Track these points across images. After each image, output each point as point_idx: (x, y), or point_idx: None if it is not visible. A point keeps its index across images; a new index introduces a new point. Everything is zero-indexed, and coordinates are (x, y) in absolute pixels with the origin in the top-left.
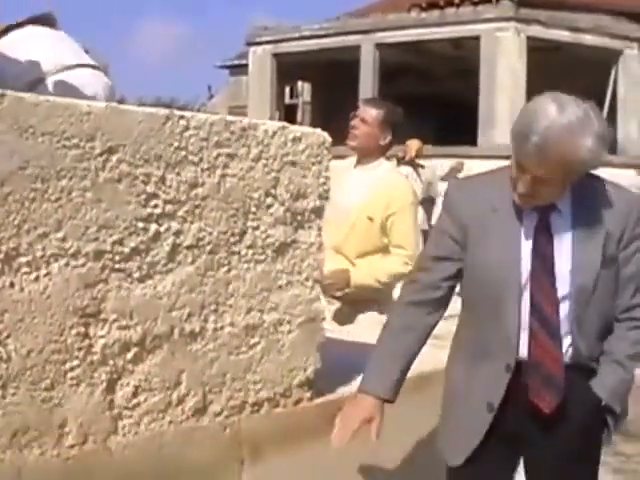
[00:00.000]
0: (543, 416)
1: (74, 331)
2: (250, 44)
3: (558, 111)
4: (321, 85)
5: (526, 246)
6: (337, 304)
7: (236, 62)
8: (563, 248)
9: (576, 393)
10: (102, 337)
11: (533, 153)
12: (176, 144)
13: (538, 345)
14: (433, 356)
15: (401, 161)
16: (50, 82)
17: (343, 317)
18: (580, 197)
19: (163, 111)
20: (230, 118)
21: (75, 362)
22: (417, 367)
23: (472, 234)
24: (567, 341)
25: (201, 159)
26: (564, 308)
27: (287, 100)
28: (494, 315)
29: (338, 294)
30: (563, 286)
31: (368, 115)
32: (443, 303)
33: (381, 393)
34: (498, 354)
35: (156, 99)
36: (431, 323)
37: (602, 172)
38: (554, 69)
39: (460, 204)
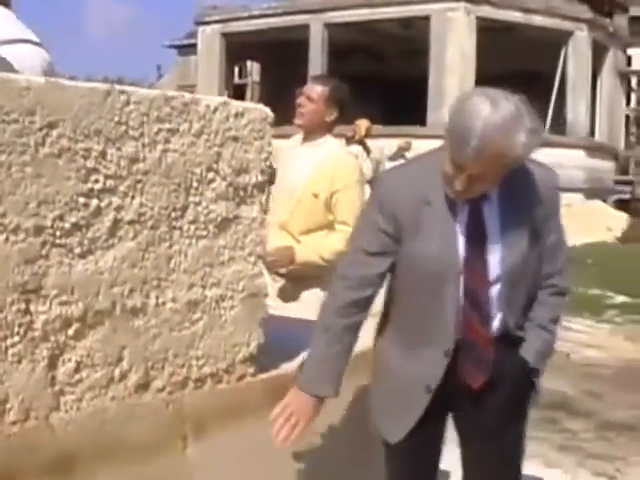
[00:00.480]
0: (474, 391)
1: (14, 307)
2: (199, 23)
3: (492, 110)
4: (270, 65)
5: (460, 235)
6: (281, 281)
7: (185, 42)
8: (493, 234)
9: (505, 362)
10: (43, 313)
11: (472, 155)
12: (117, 119)
13: (471, 328)
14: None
15: (350, 140)
16: None
17: (287, 294)
18: (506, 184)
19: (104, 86)
20: (171, 93)
21: (16, 338)
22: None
23: (406, 228)
24: (498, 317)
25: (142, 134)
26: (495, 290)
27: (236, 80)
28: (432, 303)
29: (282, 271)
30: (494, 270)
31: (314, 92)
32: (375, 296)
33: (325, 392)
34: (437, 340)
35: (104, 78)
36: (366, 317)
37: (552, 153)
38: (504, 49)
39: (391, 199)
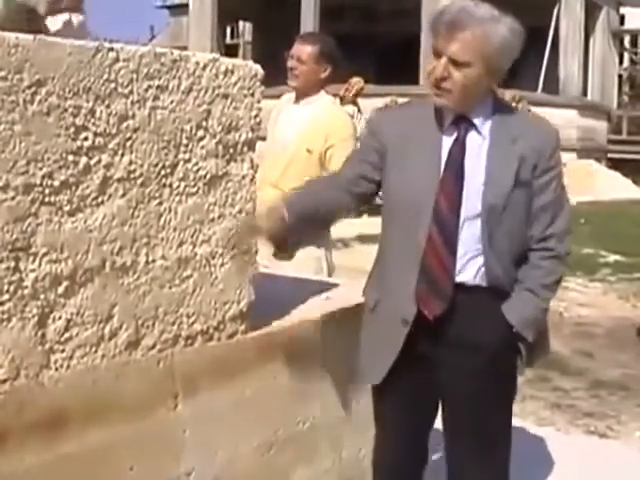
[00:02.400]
0: (445, 337)
1: (4, 265)
2: None
3: (471, 4)
4: (262, 25)
5: (441, 166)
6: None
7: (177, 2)
8: (477, 165)
9: (487, 317)
10: (32, 271)
11: (444, 29)
12: (105, 76)
13: (433, 251)
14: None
15: (344, 99)
16: None
17: (282, 254)
18: (499, 120)
19: (92, 43)
20: (160, 50)
21: (5, 296)
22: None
23: (392, 155)
24: (479, 261)
25: (131, 91)
26: (475, 226)
27: (228, 40)
28: (408, 232)
29: None
30: (474, 203)
31: (304, 53)
32: (356, 200)
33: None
34: (408, 268)
35: (96, 39)
36: (344, 201)
37: (543, 112)
38: (496, 8)
39: (380, 131)
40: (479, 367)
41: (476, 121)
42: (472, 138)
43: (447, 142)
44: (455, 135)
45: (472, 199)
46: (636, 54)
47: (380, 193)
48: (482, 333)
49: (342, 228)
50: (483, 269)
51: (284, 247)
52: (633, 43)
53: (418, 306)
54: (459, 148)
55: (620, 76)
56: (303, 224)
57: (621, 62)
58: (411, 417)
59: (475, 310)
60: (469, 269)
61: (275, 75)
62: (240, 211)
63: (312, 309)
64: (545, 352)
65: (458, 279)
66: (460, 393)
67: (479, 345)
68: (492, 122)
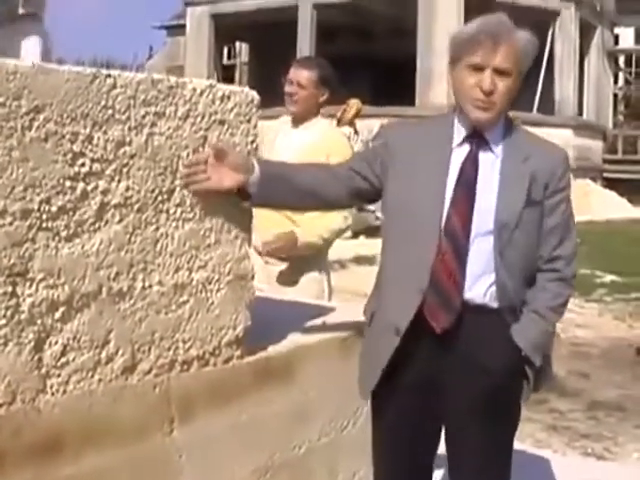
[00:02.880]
0: (451, 355)
1: (1, 290)
2: (188, 4)
3: (496, 16)
4: (259, 45)
5: (453, 178)
6: (279, 266)
7: (174, 22)
8: (489, 182)
9: (495, 339)
10: (30, 296)
11: (489, 41)
12: (103, 103)
13: (443, 265)
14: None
15: (341, 121)
16: None
17: (286, 278)
18: (511, 139)
19: (90, 70)
20: (157, 76)
21: (2, 321)
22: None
23: (400, 167)
24: (490, 278)
25: (128, 118)
26: (486, 243)
27: (225, 61)
28: (415, 242)
29: (284, 256)
30: (486, 220)
31: (303, 78)
32: (347, 193)
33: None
34: (413, 278)
35: (93, 60)
36: (332, 186)
37: (539, 132)
38: None
39: (394, 138)
40: (485, 390)
41: (489, 138)
42: (484, 155)
43: (457, 158)
44: (467, 151)
45: (484, 215)
46: (631, 74)
47: (378, 214)
48: (489, 355)
49: (339, 249)
50: (494, 287)
51: (245, 194)
52: (628, 62)
53: (425, 319)
54: (472, 164)
55: (615, 95)
56: (273, 183)
57: (616, 82)
58: (412, 441)
59: (483, 330)
60: (479, 286)
61: (271, 96)
62: (236, 237)
63: (308, 333)
64: (549, 377)
65: (467, 295)
66: (464, 416)
67: (486, 368)
68: (503, 140)
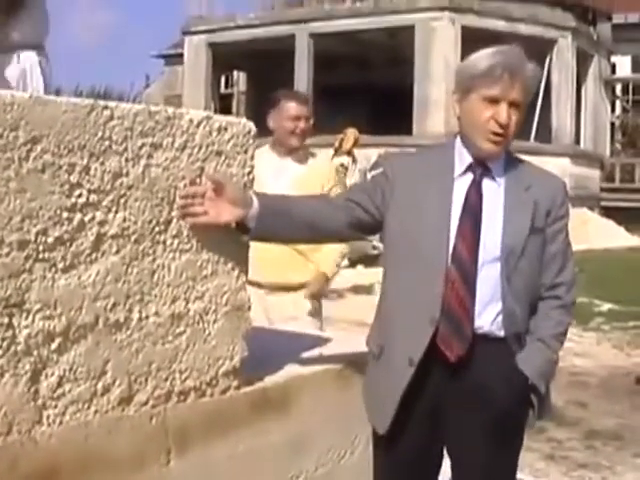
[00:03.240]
0: (462, 384)
1: None
2: (185, 33)
3: (507, 47)
4: (256, 74)
5: (457, 207)
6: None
7: (172, 51)
8: (493, 210)
9: (502, 367)
10: (26, 327)
11: (507, 74)
12: (100, 134)
13: (453, 293)
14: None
15: (338, 150)
16: None
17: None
18: (512, 167)
19: (87, 101)
20: (154, 108)
21: None
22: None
23: (402, 198)
24: (497, 306)
25: (125, 149)
26: (493, 270)
27: (222, 90)
28: (423, 272)
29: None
30: (492, 247)
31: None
32: (348, 223)
33: (255, 195)
34: (424, 309)
35: (91, 89)
36: (333, 225)
37: (536, 160)
38: None
39: (396, 168)
40: (492, 418)
41: (491, 167)
42: (487, 183)
43: (460, 187)
44: (470, 180)
45: (490, 243)
46: (628, 102)
47: (375, 243)
48: (497, 383)
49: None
50: (501, 315)
51: (243, 228)
52: (625, 91)
53: (439, 349)
54: (476, 192)
55: (612, 124)
56: (273, 217)
57: (613, 110)
58: (416, 466)
59: (490, 358)
60: (487, 314)
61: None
62: (233, 268)
63: (305, 364)
64: (549, 405)
65: (476, 323)
66: (471, 443)
67: (493, 396)
68: (505, 169)
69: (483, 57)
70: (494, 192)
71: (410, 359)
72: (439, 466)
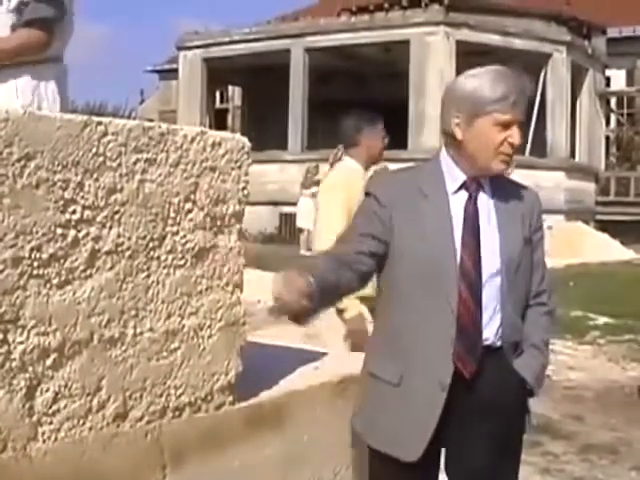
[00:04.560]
0: (476, 398)
1: None
2: (180, 48)
3: (512, 74)
4: (252, 89)
5: (457, 223)
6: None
7: (166, 67)
8: (490, 225)
9: (506, 376)
10: (21, 343)
11: (520, 99)
12: (94, 150)
13: (465, 309)
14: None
15: (333, 165)
16: None
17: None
18: (498, 182)
19: (81, 117)
20: (148, 124)
21: None
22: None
23: (403, 220)
24: (498, 319)
25: (119, 164)
26: (495, 283)
27: (218, 104)
28: (433, 291)
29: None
30: (493, 260)
31: None
32: (361, 278)
33: (311, 275)
34: (441, 329)
35: (86, 104)
36: (353, 281)
37: (532, 174)
38: None
39: (388, 191)
40: (497, 427)
41: (483, 182)
42: (482, 198)
43: (456, 202)
44: (466, 196)
45: (490, 257)
46: (623, 115)
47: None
48: (501, 392)
49: None
50: (502, 326)
51: (303, 319)
52: (619, 104)
53: (456, 367)
54: (473, 207)
55: (607, 137)
56: (322, 298)
57: (608, 123)
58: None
59: (494, 368)
60: (491, 327)
61: (262, 140)
62: (227, 283)
63: (301, 379)
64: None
65: (483, 336)
66: (474, 453)
67: (500, 405)
68: (493, 184)
69: (493, 82)
70: (487, 207)
71: (441, 383)
72: (438, 465)
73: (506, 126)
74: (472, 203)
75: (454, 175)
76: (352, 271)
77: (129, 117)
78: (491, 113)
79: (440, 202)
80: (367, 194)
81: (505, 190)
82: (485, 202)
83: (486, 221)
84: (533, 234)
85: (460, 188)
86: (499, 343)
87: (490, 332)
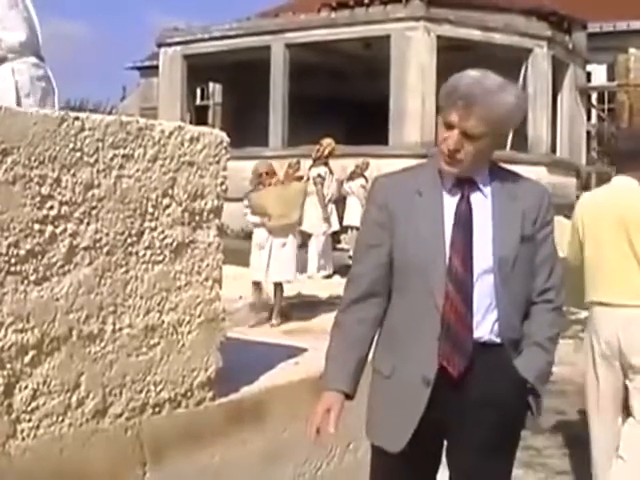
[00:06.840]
0: (466, 396)
1: None
2: (160, 45)
3: (481, 75)
4: (232, 86)
5: (449, 221)
6: None
7: (147, 63)
8: (484, 223)
9: (503, 373)
10: None
11: (460, 104)
12: (71, 145)
13: (452, 308)
14: None
15: (316, 161)
16: None
17: None
18: (498, 179)
19: (57, 112)
20: (126, 119)
21: None
22: None
23: (398, 217)
24: (493, 315)
25: (97, 160)
26: (487, 281)
27: (198, 101)
28: (422, 288)
29: None
30: (485, 259)
31: None
32: (384, 293)
33: (340, 386)
34: (427, 326)
35: (66, 102)
36: (380, 313)
37: (513, 169)
38: (465, 68)
39: (385, 191)
40: (494, 424)
41: (478, 181)
42: (476, 197)
43: (450, 202)
44: (459, 195)
45: (482, 255)
46: (603, 110)
47: (352, 253)
48: (500, 390)
49: (313, 288)
50: (498, 323)
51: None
52: (600, 100)
53: (441, 365)
54: (466, 206)
55: (588, 132)
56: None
57: (589, 119)
58: (417, 468)
59: (490, 366)
60: (485, 324)
61: (243, 136)
62: (206, 279)
63: (280, 375)
64: (542, 407)
65: (475, 334)
66: (470, 447)
67: (497, 403)
68: (491, 181)
69: (449, 82)
70: (483, 205)
71: (425, 378)
72: (437, 466)
73: (450, 128)
74: (465, 202)
75: (451, 175)
76: (374, 307)
77: (110, 114)
78: (441, 111)
79: (434, 201)
80: (368, 201)
81: (507, 187)
82: (481, 200)
83: (480, 219)
84: (538, 230)
85: (454, 186)
86: (497, 340)
87: (485, 329)
